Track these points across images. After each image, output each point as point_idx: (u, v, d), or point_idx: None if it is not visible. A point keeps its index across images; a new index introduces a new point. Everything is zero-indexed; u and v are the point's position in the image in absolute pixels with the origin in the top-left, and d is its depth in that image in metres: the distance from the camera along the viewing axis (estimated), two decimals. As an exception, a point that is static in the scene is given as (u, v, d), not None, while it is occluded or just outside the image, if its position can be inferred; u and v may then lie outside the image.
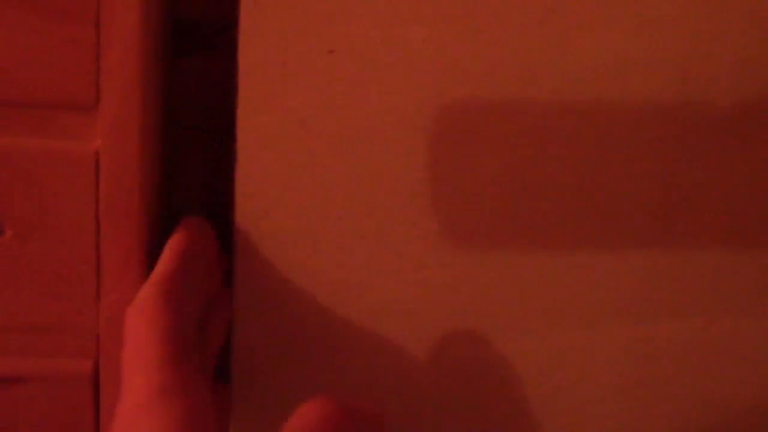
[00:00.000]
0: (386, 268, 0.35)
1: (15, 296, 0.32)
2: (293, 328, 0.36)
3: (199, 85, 0.37)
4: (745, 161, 0.34)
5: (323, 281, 0.35)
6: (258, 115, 0.32)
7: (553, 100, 0.33)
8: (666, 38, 0.32)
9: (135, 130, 0.30)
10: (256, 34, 0.31)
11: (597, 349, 0.37)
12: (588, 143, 0.34)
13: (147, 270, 0.32)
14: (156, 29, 0.31)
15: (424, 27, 0.32)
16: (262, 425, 0.37)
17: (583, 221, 0.35)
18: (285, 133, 0.33)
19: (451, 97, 0.32)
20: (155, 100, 0.32)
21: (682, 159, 0.34)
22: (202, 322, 0.32)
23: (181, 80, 0.36)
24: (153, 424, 0.27)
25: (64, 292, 0.32)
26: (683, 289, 0.36)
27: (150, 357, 0.28)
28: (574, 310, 0.36)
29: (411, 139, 0.33)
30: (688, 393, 0.38)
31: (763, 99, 0.34)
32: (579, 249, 0.35)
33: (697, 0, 0.32)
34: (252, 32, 0.31)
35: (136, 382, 0.28)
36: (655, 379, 0.38)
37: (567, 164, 0.34)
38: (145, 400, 0.27)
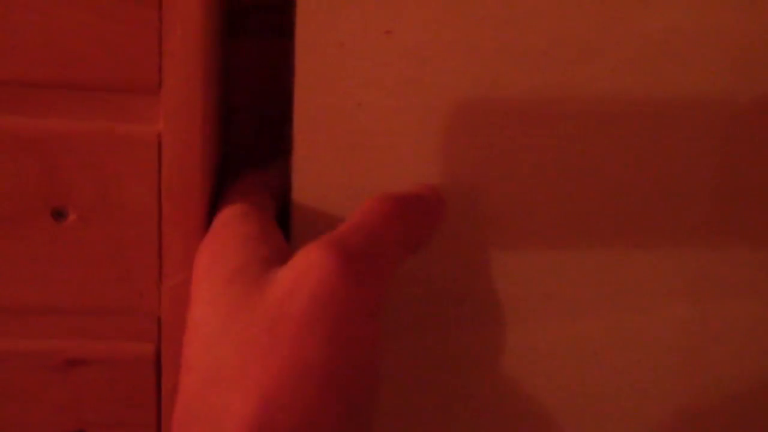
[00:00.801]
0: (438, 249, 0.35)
1: (78, 279, 0.32)
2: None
3: (254, 67, 0.36)
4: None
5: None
6: (315, 97, 0.32)
7: (610, 82, 0.32)
8: (724, 19, 0.32)
9: (197, 112, 0.30)
10: (313, 15, 0.31)
11: (653, 330, 0.37)
12: (645, 125, 0.33)
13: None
14: (216, 11, 0.31)
15: (482, 7, 0.31)
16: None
17: (638, 204, 0.34)
18: (342, 116, 0.32)
19: (510, 79, 0.32)
20: (216, 82, 0.32)
21: (743, 142, 0.34)
22: None
23: (237, 63, 0.36)
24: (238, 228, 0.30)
25: (127, 275, 0.32)
26: (742, 270, 0.36)
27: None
28: (631, 292, 0.36)
29: (469, 121, 0.33)
30: (748, 374, 0.38)
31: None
32: (634, 232, 0.35)
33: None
34: (309, 13, 0.31)
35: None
36: (714, 360, 0.37)
37: (625, 146, 0.33)
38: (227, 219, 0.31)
